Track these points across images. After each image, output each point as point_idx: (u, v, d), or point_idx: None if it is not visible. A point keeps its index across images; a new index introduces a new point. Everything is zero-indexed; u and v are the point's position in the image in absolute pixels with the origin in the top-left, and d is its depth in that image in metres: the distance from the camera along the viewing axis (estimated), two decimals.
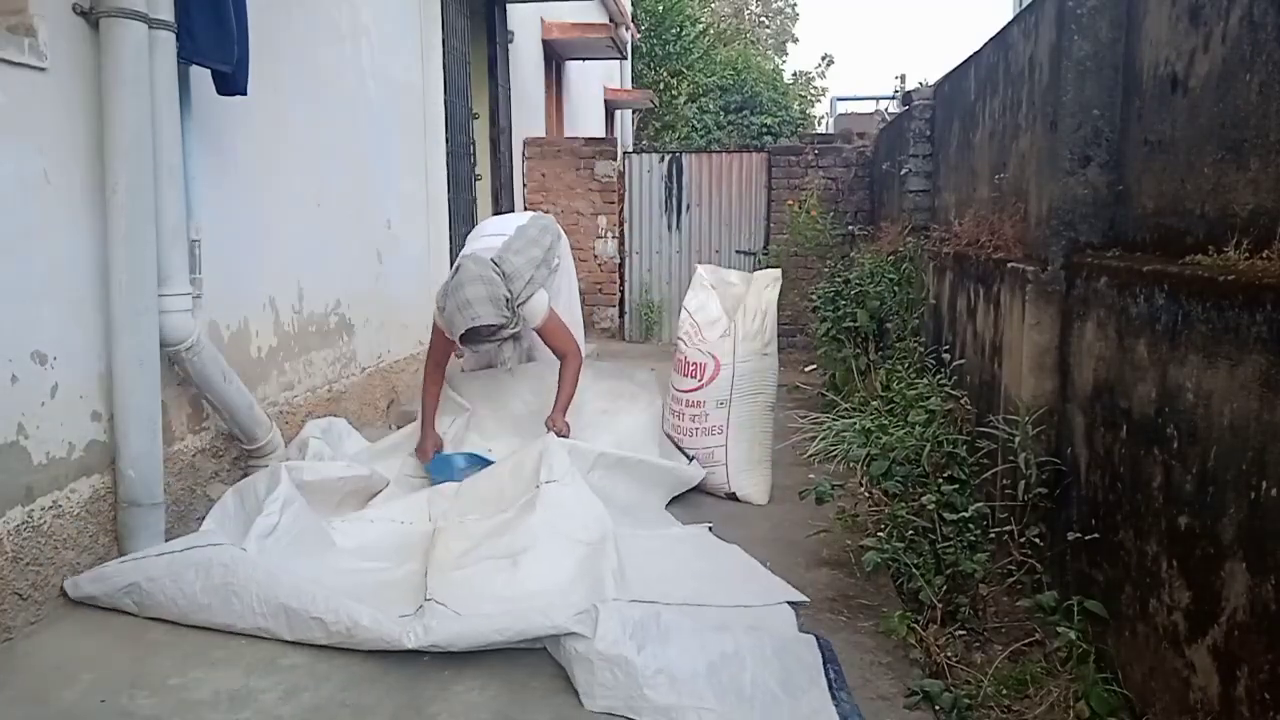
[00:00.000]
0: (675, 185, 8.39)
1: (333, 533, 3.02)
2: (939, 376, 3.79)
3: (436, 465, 3.65)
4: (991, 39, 4.01)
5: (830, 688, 2.14)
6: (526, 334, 3.86)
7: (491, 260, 3.60)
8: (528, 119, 8.33)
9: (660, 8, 16.53)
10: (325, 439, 3.72)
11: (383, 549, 2.97)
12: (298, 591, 2.42)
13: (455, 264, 3.69)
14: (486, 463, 3.59)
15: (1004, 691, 2.25)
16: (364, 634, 2.30)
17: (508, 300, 3.50)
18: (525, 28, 8.22)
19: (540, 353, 4.09)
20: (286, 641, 2.40)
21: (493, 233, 3.90)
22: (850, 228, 7.45)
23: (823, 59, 32.22)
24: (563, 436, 3.50)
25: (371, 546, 2.98)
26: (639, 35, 15.36)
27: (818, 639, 2.36)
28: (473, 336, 3.51)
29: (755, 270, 4.86)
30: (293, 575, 2.53)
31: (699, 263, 4.66)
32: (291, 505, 2.87)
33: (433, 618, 2.32)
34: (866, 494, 3.43)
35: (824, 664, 2.24)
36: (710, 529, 3.24)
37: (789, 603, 2.61)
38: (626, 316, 8.63)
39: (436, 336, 3.78)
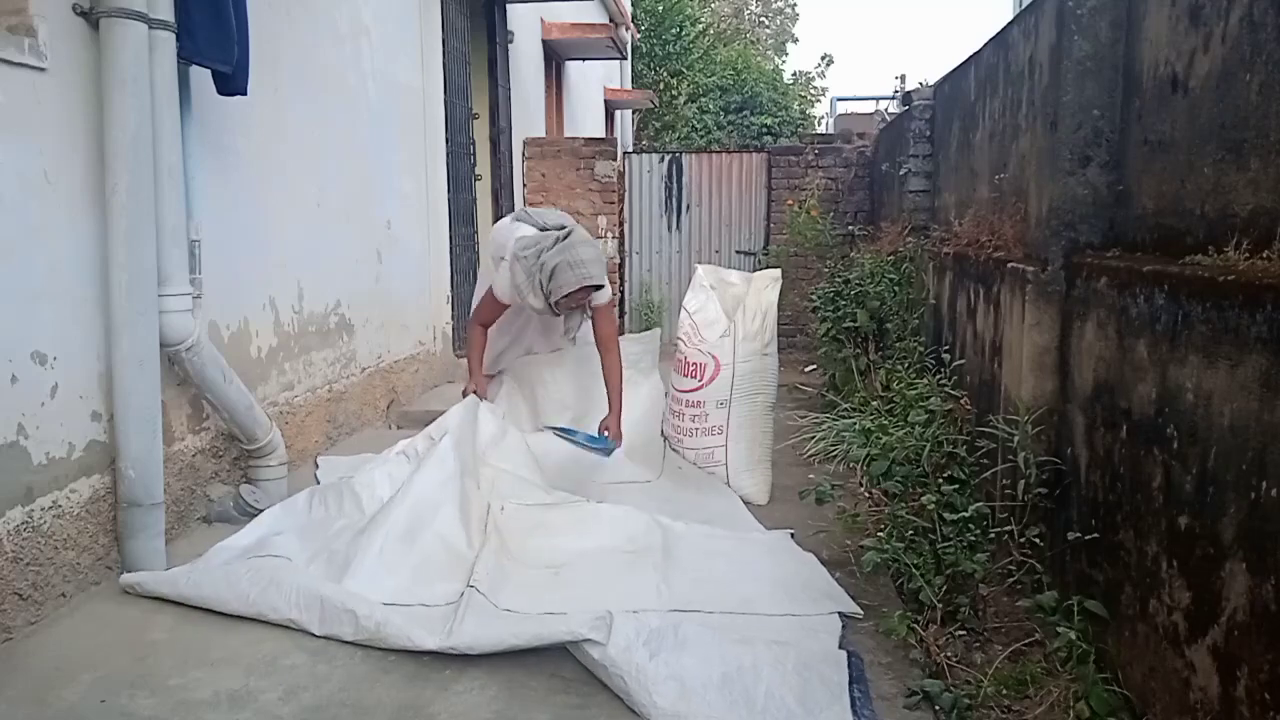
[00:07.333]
0: (675, 185, 8.39)
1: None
2: (939, 376, 3.79)
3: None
4: (991, 39, 4.01)
5: (853, 706, 2.09)
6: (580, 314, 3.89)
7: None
8: (528, 119, 8.33)
9: (660, 8, 16.53)
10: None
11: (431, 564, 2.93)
12: (338, 588, 2.56)
13: (532, 228, 3.69)
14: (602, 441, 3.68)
15: (1004, 691, 2.25)
16: (391, 630, 2.36)
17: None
18: (525, 28, 8.22)
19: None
20: (301, 636, 2.44)
21: (555, 223, 3.81)
22: (850, 228, 7.45)
23: (823, 59, 32.20)
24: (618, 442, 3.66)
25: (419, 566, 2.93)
26: (639, 35, 15.37)
27: (849, 657, 2.30)
28: (562, 301, 3.52)
29: (755, 270, 4.86)
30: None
31: (699, 263, 4.66)
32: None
33: (464, 613, 2.42)
34: (866, 494, 3.43)
35: (850, 683, 2.18)
36: (793, 535, 3.18)
37: (841, 614, 2.57)
38: (626, 316, 8.61)
39: (487, 299, 3.77)
